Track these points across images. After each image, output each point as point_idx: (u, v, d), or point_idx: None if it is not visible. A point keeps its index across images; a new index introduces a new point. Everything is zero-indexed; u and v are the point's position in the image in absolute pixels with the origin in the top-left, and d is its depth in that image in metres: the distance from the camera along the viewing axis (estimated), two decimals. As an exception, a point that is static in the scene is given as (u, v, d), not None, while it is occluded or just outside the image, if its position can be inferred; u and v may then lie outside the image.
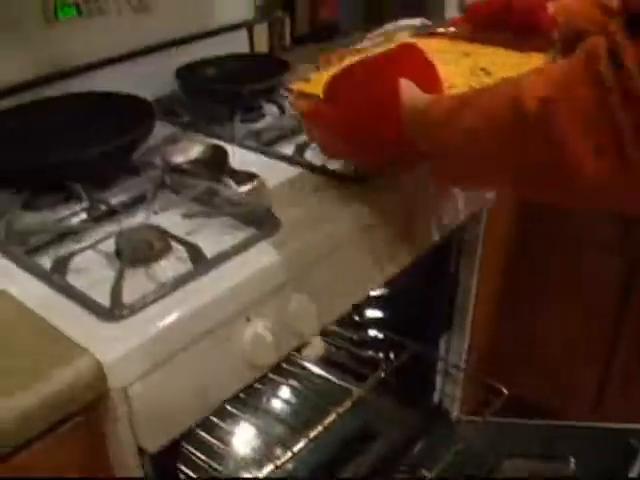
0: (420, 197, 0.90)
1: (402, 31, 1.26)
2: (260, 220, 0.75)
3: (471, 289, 1.17)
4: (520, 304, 1.35)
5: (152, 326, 0.62)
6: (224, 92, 1.08)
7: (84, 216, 0.80)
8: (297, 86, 0.88)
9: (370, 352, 1.22)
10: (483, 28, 0.97)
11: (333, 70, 0.80)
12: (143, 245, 0.72)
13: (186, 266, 0.69)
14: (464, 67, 0.83)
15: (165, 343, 0.63)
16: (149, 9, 1.12)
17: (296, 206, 0.80)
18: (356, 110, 0.73)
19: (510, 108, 0.56)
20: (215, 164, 0.86)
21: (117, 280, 0.66)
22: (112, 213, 0.80)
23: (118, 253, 0.71)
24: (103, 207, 0.80)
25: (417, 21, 1.37)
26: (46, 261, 0.71)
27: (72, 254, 0.71)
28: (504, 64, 0.84)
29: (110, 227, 0.76)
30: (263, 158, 0.94)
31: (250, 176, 0.81)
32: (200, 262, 0.69)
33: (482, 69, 0.82)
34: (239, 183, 0.80)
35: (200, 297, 0.66)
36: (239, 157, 0.90)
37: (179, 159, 0.88)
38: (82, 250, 0.71)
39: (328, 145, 0.80)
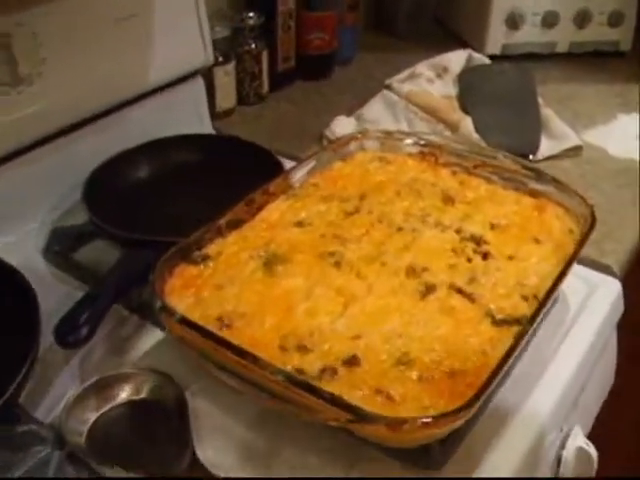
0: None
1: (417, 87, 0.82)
2: None
3: None
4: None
5: None
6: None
7: None
8: (177, 282, 0.51)
9: None
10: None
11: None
12: None
13: None
14: (446, 231, 0.57)
15: None
16: (33, 79, 0.65)
17: None
18: None
19: None
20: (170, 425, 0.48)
21: None
22: None
23: None
24: None
25: (464, 54, 0.92)
26: None
27: None
28: (506, 226, 0.58)
29: None
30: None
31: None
32: None
33: (475, 240, 0.56)
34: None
35: None
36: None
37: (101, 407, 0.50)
38: None
39: None
